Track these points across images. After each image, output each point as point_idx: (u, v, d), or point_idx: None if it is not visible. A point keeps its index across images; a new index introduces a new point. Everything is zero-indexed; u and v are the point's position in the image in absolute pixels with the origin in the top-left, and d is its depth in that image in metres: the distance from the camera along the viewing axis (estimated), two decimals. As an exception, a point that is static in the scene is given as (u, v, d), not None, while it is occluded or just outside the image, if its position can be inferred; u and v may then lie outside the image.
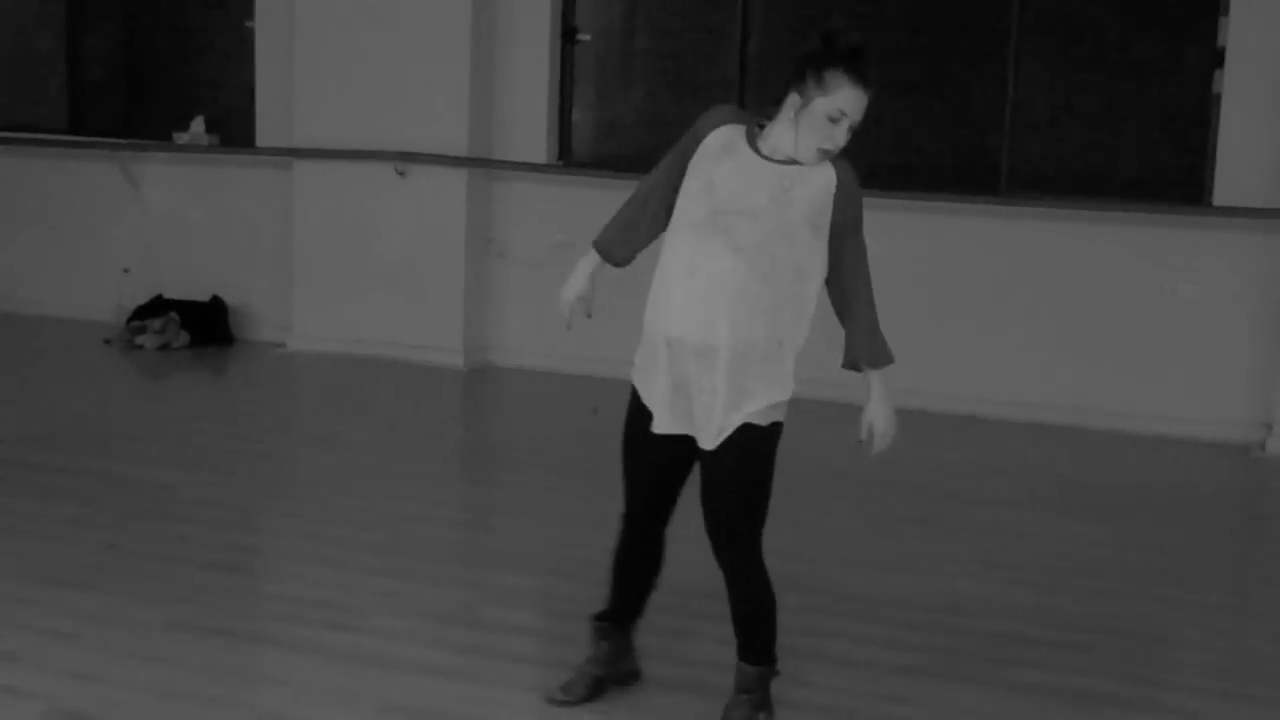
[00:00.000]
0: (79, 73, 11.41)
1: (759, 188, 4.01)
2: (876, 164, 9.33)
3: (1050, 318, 8.98)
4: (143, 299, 10.60)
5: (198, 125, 10.75)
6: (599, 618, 4.61)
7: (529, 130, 9.92)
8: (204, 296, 10.56)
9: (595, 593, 4.99)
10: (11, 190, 11.29)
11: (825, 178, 4.03)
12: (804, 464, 7.86)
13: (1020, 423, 8.93)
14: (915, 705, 4.67)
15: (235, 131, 10.79)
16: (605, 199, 9.64)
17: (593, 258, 4.41)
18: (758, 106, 4.23)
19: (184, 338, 10.29)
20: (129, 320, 10.43)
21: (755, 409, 4.06)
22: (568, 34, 9.98)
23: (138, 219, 11.00)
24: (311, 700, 4.50)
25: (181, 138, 10.77)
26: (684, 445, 4.15)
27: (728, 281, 3.99)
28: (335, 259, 10.10)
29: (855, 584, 5.86)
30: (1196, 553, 6.56)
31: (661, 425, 4.13)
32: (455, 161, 9.75)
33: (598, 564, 5.74)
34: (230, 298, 10.59)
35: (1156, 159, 9.02)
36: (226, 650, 4.91)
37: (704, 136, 4.11)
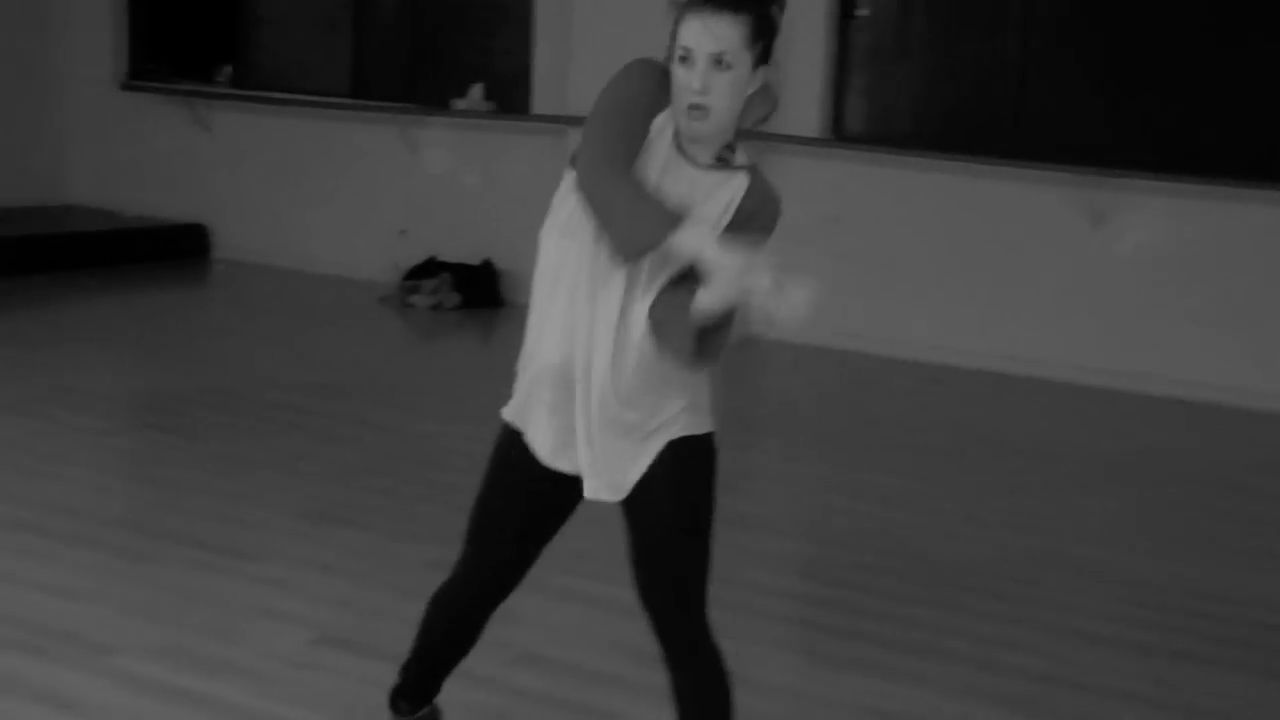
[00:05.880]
0: (364, 40, 11.72)
1: None
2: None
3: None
4: (417, 260, 10.84)
5: (475, 92, 10.95)
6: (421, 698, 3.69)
7: (802, 103, 9.85)
8: (476, 259, 10.75)
9: (849, 558, 4.97)
10: (299, 152, 11.66)
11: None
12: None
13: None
14: (1172, 689, 4.53)
15: (512, 99, 10.96)
16: (876, 175, 9.73)
17: None
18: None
19: (455, 298, 10.50)
20: (403, 280, 10.68)
21: None
22: (846, 8, 9.89)
23: (415, 182, 11.25)
24: (549, 640, 4.57)
25: (459, 104, 10.98)
26: None
27: None
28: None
29: (1120, 567, 5.72)
30: None
31: None
32: (727, 133, 9.72)
33: (849, 530, 5.76)
34: (501, 261, 10.75)
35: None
36: (485, 592, 4.98)
37: None
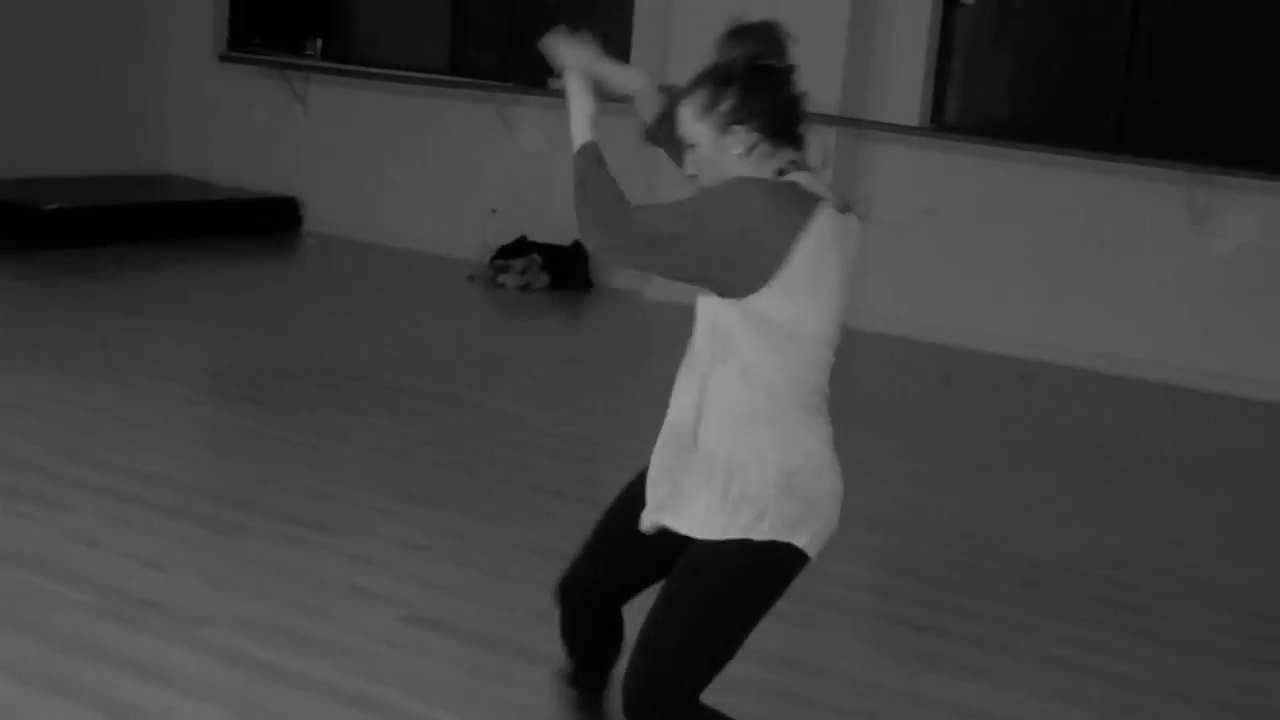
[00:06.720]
0: (462, 15, 11.71)
1: None
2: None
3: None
4: (508, 239, 10.83)
5: (572, 72, 10.90)
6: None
7: (903, 92, 9.74)
8: (566, 240, 10.72)
9: (938, 554, 4.89)
10: (393, 127, 11.67)
11: None
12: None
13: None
14: (1263, 696, 4.44)
15: (609, 80, 10.90)
16: (974, 167, 9.61)
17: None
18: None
19: (544, 279, 10.48)
20: (493, 259, 10.67)
21: None
22: (950, -2, 9.78)
23: (509, 161, 11.23)
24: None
25: (556, 83, 10.92)
26: None
27: None
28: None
29: (1210, 571, 5.63)
30: None
31: None
32: (825, 120, 9.64)
33: (939, 526, 5.68)
34: (592, 243, 10.72)
35: None
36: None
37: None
